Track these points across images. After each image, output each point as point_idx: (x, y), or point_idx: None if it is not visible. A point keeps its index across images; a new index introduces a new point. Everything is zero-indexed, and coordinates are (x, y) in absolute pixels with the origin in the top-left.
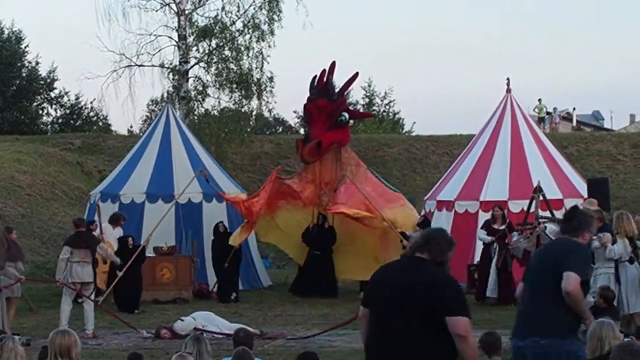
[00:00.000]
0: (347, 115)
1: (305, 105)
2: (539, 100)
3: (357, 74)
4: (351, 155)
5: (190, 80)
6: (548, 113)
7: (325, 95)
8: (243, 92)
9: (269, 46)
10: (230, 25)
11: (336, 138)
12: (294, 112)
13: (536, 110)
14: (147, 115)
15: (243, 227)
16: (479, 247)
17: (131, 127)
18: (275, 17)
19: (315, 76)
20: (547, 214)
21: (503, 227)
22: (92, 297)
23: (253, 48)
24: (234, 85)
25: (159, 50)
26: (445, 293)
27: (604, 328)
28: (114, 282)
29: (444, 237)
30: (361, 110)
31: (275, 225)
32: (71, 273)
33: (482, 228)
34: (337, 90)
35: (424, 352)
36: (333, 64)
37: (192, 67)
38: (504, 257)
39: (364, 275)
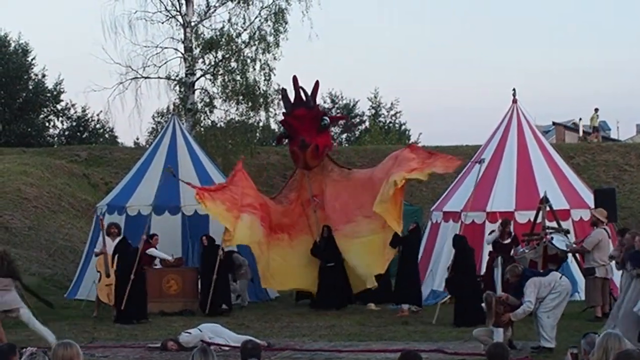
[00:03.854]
0: (327, 119)
1: (283, 121)
2: (596, 109)
3: (317, 82)
4: (329, 160)
5: (197, 92)
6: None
7: (301, 105)
8: (250, 104)
9: (275, 58)
10: (236, 37)
11: (324, 142)
12: None
13: (592, 120)
14: (153, 127)
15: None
16: (486, 258)
17: (137, 139)
18: (281, 28)
19: (285, 91)
20: (554, 224)
21: (508, 241)
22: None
23: (259, 60)
24: (241, 97)
25: (165, 62)
26: None
27: (611, 339)
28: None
29: None
30: (366, 120)
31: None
32: None
33: (489, 235)
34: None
35: None
36: (295, 79)
37: (198, 79)
38: None
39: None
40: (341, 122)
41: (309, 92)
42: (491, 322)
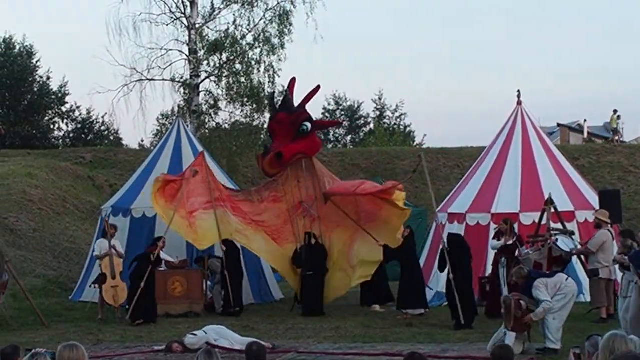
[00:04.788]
0: (309, 125)
1: (268, 124)
2: (614, 111)
3: (318, 86)
4: (323, 170)
5: (201, 94)
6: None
7: (283, 110)
8: (254, 105)
9: (280, 60)
10: (241, 39)
11: (300, 149)
12: None
13: (612, 122)
14: (158, 129)
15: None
16: (491, 259)
17: (142, 141)
18: (285, 30)
19: (272, 93)
20: (559, 226)
21: (511, 241)
22: None
23: (264, 62)
24: (245, 99)
25: (169, 65)
26: None
27: (617, 341)
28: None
29: None
30: (372, 122)
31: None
32: None
33: (493, 238)
34: (299, 103)
35: None
36: (293, 80)
37: (202, 81)
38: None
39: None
40: (335, 127)
41: (306, 95)
42: (510, 325)
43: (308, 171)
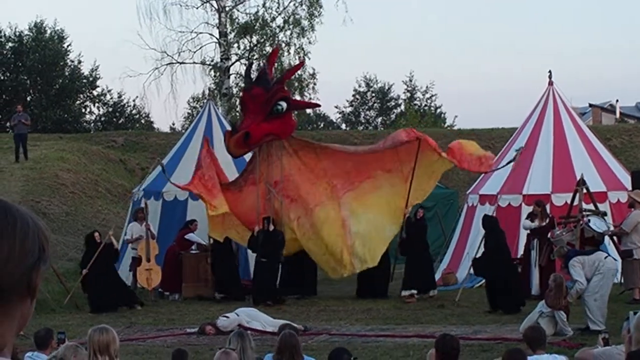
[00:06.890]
0: (284, 104)
1: (241, 97)
2: None
3: (302, 61)
4: (296, 142)
5: (232, 77)
6: None
7: (260, 84)
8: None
9: (310, 42)
10: (271, 21)
11: (272, 129)
12: (335, 107)
13: None
14: (189, 112)
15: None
16: (523, 241)
17: (173, 124)
18: (315, 12)
19: (250, 64)
20: (591, 206)
21: (544, 223)
22: None
23: (294, 44)
24: None
25: (200, 48)
26: None
27: None
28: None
29: None
30: (401, 104)
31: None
32: None
33: (526, 219)
34: (278, 78)
35: None
36: (275, 50)
37: (233, 63)
38: (547, 255)
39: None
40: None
41: (288, 70)
42: (559, 302)
43: (277, 154)
